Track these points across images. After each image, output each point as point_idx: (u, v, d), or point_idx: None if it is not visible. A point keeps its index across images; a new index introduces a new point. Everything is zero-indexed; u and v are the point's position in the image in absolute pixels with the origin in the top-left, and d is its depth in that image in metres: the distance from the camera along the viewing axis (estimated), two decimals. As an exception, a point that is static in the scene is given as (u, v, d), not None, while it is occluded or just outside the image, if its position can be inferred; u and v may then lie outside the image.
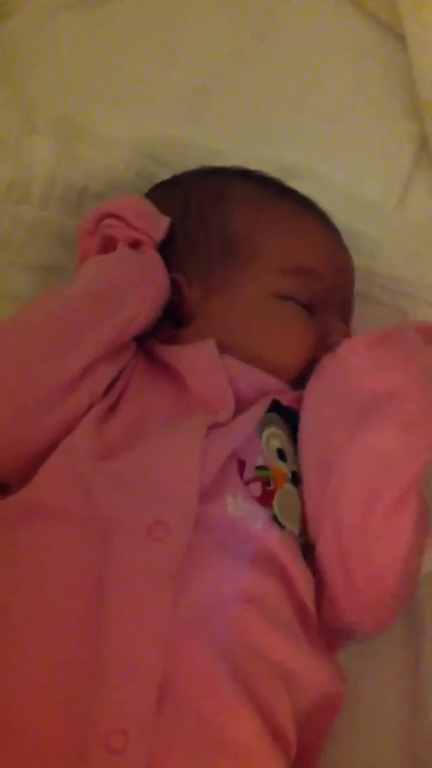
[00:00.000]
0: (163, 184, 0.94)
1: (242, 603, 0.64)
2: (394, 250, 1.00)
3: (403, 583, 0.72)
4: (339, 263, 0.87)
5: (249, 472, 0.71)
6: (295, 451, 0.75)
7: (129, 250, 0.81)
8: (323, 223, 0.89)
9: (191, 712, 0.60)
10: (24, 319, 0.75)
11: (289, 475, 0.73)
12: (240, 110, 1.06)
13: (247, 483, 0.70)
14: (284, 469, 0.73)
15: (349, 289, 0.89)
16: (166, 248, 0.83)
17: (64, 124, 1.00)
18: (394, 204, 1.04)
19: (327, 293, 0.83)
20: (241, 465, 0.71)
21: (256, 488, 0.70)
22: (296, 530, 0.72)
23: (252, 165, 0.92)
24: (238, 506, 0.68)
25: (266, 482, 0.71)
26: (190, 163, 0.95)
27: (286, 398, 0.77)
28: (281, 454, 0.74)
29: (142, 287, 0.78)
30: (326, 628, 0.72)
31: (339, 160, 1.04)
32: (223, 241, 0.83)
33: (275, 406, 0.76)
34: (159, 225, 0.83)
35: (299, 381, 0.79)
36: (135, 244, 0.82)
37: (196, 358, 0.77)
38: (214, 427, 0.71)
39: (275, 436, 0.75)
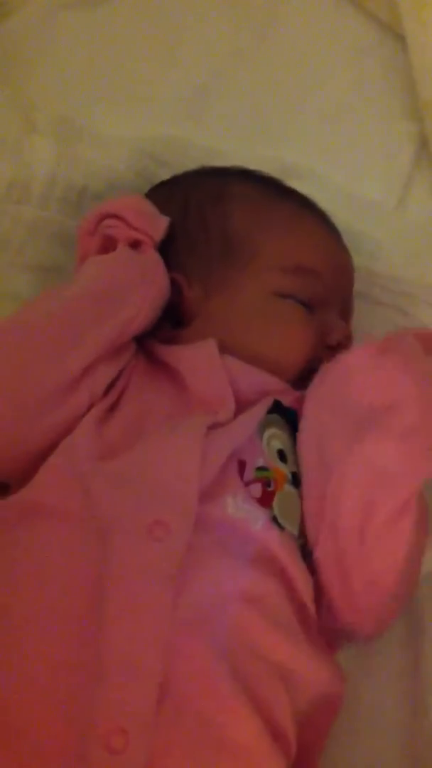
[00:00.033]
0: (163, 184, 0.94)
1: (242, 603, 0.64)
2: (394, 250, 1.00)
3: (403, 584, 0.72)
4: (339, 263, 0.87)
5: (249, 473, 0.71)
6: (296, 452, 0.75)
7: (129, 250, 0.81)
8: (323, 223, 0.89)
9: (191, 712, 0.60)
10: (24, 319, 0.75)
11: (290, 476, 0.73)
12: (240, 110, 1.06)
13: (247, 484, 0.70)
14: (285, 470, 0.73)
15: (349, 288, 0.89)
16: (166, 248, 0.83)
17: (64, 124, 1.00)
18: (394, 204, 1.04)
19: (327, 293, 0.83)
20: (242, 466, 0.71)
21: (257, 489, 0.70)
22: (296, 531, 0.71)
23: (252, 165, 0.92)
24: (238, 507, 0.68)
25: (266, 483, 0.71)
26: (190, 163, 0.95)
27: (288, 399, 0.77)
28: (282, 455, 0.74)
29: (142, 287, 0.78)
30: (326, 628, 0.72)
31: (339, 160, 1.04)
32: (223, 240, 0.83)
33: (276, 407, 0.76)
34: (159, 225, 0.83)
35: (300, 381, 0.79)
36: (135, 244, 0.82)
37: (197, 358, 0.77)
38: (214, 427, 0.71)
39: (276, 437, 0.75)
